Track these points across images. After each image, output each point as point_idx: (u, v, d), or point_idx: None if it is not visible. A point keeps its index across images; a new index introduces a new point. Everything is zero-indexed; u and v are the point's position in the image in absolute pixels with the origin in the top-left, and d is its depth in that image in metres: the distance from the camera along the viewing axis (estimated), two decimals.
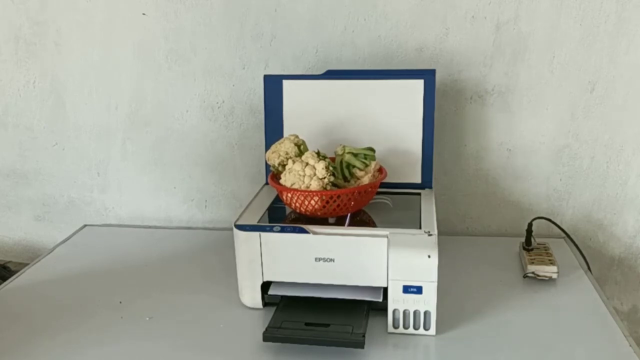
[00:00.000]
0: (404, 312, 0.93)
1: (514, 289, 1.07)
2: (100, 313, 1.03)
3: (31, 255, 1.51)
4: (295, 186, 0.97)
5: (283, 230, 0.95)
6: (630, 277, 1.32)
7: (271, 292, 0.99)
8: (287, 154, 1.04)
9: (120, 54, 1.33)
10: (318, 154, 0.99)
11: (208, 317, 1.00)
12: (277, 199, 1.09)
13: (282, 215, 1.05)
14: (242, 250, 0.98)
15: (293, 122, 1.17)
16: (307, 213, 0.99)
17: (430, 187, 1.14)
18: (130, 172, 1.42)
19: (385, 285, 0.93)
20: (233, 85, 1.32)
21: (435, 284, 0.91)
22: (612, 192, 1.27)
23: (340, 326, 0.92)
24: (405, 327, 0.94)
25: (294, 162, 0.99)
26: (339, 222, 0.99)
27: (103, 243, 1.32)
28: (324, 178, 0.96)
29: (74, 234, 1.38)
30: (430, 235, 0.92)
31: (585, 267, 1.15)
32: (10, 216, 1.51)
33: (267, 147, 1.12)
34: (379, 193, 1.08)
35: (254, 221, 0.99)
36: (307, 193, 0.96)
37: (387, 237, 0.92)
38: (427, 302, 0.92)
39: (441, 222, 1.27)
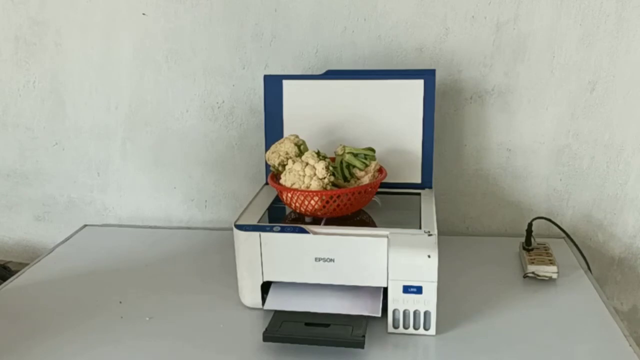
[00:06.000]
0: (404, 312, 0.93)
1: (514, 289, 1.07)
2: (100, 313, 1.03)
3: (31, 255, 1.51)
4: (295, 186, 0.97)
5: (283, 230, 0.95)
6: (630, 277, 1.32)
7: (267, 306, 0.98)
8: (287, 154, 1.04)
9: (120, 54, 1.33)
10: (318, 154, 0.99)
11: (208, 317, 1.00)
12: (277, 199, 1.09)
13: (282, 215, 1.05)
14: (242, 250, 0.98)
15: (293, 122, 1.17)
16: (307, 213, 0.99)
17: (430, 187, 1.14)
18: (130, 172, 1.42)
19: (385, 285, 0.93)
20: (233, 85, 1.32)
21: (435, 284, 0.91)
22: (612, 192, 1.27)
23: (340, 326, 0.92)
24: (405, 327, 0.94)
25: (294, 162, 0.99)
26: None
27: (103, 243, 1.32)
28: (324, 178, 0.96)
29: (74, 234, 1.38)
30: (430, 235, 0.92)
31: (585, 267, 1.15)
32: (10, 216, 1.51)
33: (267, 147, 1.12)
34: (379, 193, 1.08)
35: (254, 221, 0.99)
36: (307, 193, 0.96)
37: (387, 237, 0.92)
38: (427, 302, 0.92)
39: (441, 222, 1.27)
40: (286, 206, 1.04)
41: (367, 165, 1.04)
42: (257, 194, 1.13)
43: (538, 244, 1.18)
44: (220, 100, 1.33)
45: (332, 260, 0.94)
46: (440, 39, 1.22)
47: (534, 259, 1.12)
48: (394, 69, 1.25)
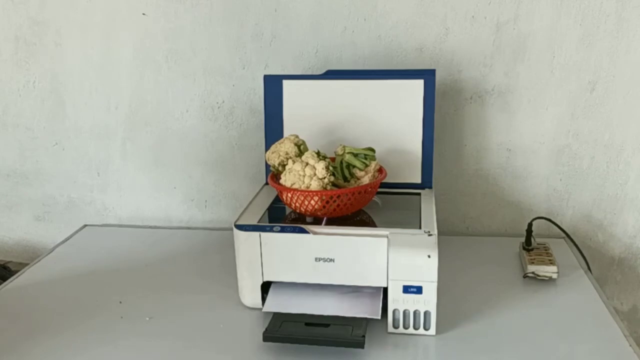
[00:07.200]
0: (404, 312, 0.93)
1: (514, 289, 1.07)
2: (100, 313, 1.03)
3: (31, 255, 1.51)
4: (295, 186, 0.97)
5: (283, 230, 0.95)
6: (630, 277, 1.32)
7: (265, 308, 0.97)
8: (287, 154, 1.04)
9: (120, 54, 1.33)
10: (318, 154, 0.99)
11: (208, 317, 1.00)
12: (277, 199, 1.09)
13: (282, 215, 1.05)
14: (242, 250, 0.98)
15: (293, 122, 1.17)
16: (307, 213, 0.99)
17: (430, 187, 1.14)
18: (130, 172, 1.42)
19: (385, 285, 0.93)
20: (233, 85, 1.32)
21: (435, 284, 0.91)
22: (612, 192, 1.27)
23: (340, 326, 0.92)
24: (405, 327, 0.94)
25: (294, 162, 0.99)
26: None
27: (103, 243, 1.32)
28: (324, 178, 0.96)
29: (74, 234, 1.38)
30: (430, 235, 0.92)
31: (585, 267, 1.15)
32: (10, 216, 1.51)
33: (267, 147, 1.12)
34: (379, 193, 1.08)
35: (254, 221, 0.99)
36: (307, 193, 0.95)
37: (387, 237, 0.92)
38: (427, 302, 0.92)
39: (441, 222, 1.27)
40: (286, 206, 1.04)
41: (367, 165, 1.04)
42: (257, 194, 1.13)
43: (538, 244, 1.18)
44: (220, 100, 1.33)
45: (332, 260, 0.94)
46: (440, 39, 1.22)
47: (534, 259, 1.12)
48: (394, 69, 1.25)
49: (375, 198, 1.10)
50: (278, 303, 0.97)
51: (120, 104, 1.37)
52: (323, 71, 1.23)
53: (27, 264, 1.24)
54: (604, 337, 0.92)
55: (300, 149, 1.05)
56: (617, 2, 1.16)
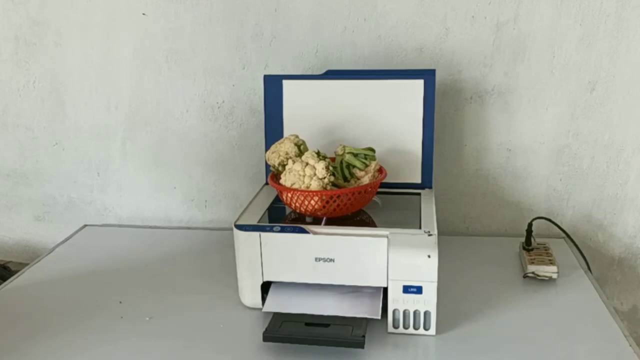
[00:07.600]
0: (404, 312, 0.93)
1: (514, 289, 1.07)
2: (100, 313, 1.03)
3: (31, 255, 1.51)
4: (295, 186, 0.97)
5: (283, 230, 0.95)
6: (630, 277, 1.32)
7: (265, 308, 0.97)
8: (287, 154, 1.04)
9: (120, 54, 1.33)
10: (318, 154, 0.99)
11: (208, 317, 1.00)
12: (277, 199, 1.09)
13: (282, 215, 1.05)
14: (242, 250, 0.98)
15: (293, 122, 1.17)
16: (307, 213, 0.99)
17: (430, 187, 1.14)
18: (130, 172, 1.42)
19: (385, 285, 0.93)
20: (233, 85, 1.32)
21: (435, 284, 0.91)
22: (612, 192, 1.27)
23: (340, 326, 0.92)
24: (405, 327, 0.94)
25: (294, 162, 0.99)
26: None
27: (103, 243, 1.32)
28: (324, 178, 0.96)
29: (74, 234, 1.38)
30: (430, 235, 0.92)
31: (585, 267, 1.15)
32: (10, 216, 1.51)
33: (267, 147, 1.12)
34: (379, 193, 1.08)
35: (254, 221, 0.99)
36: (307, 193, 0.95)
37: (387, 237, 0.92)
38: (427, 302, 0.92)
39: (441, 222, 1.27)
40: (286, 206, 1.04)
41: (367, 165, 1.04)
42: (257, 194, 1.13)
43: (538, 244, 1.18)
44: (220, 100, 1.33)
45: (332, 260, 0.94)
46: (440, 39, 1.22)
47: (534, 259, 1.12)
48: (394, 69, 1.25)
49: (375, 198, 1.10)
50: (278, 303, 0.97)
51: (120, 104, 1.37)
52: (323, 71, 1.23)
53: (27, 264, 1.24)
54: (604, 337, 0.92)
55: (300, 149, 1.05)
56: (617, 2, 1.16)
